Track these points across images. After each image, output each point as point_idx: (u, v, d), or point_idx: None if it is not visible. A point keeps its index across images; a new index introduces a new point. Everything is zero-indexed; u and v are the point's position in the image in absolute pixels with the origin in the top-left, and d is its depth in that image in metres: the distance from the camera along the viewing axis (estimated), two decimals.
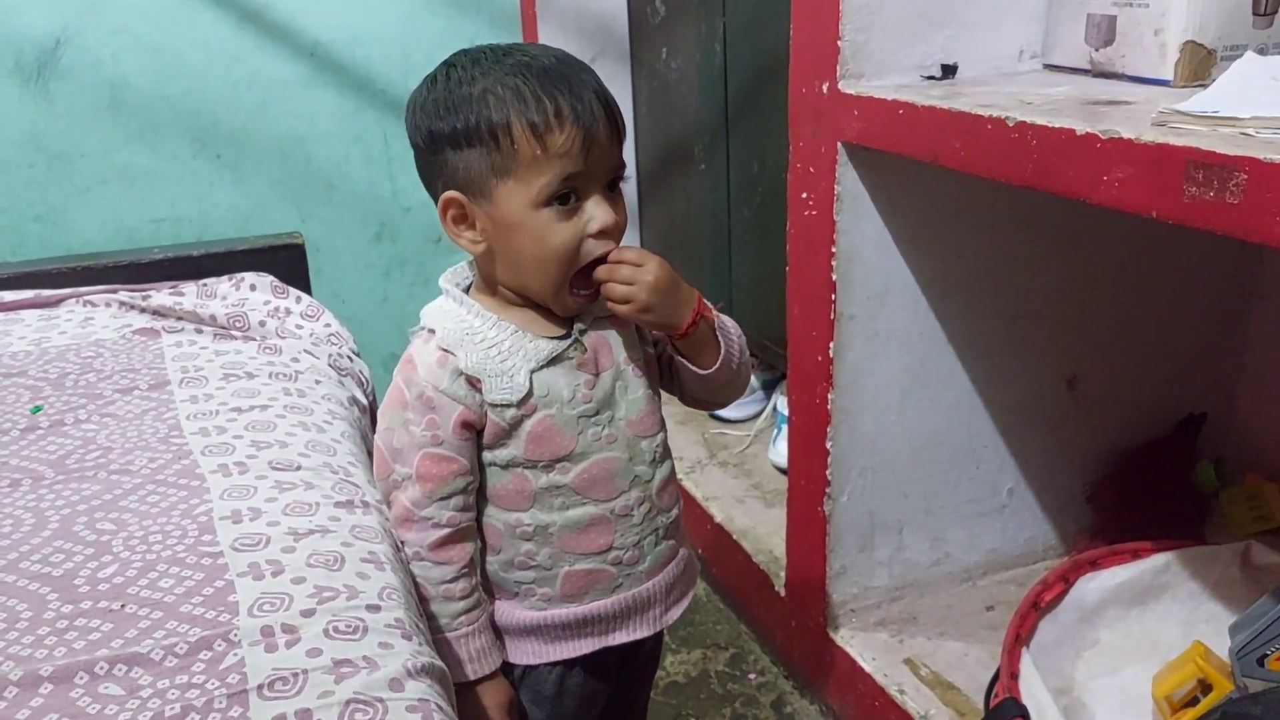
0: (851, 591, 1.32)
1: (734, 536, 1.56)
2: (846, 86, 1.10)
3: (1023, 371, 1.32)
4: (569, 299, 0.83)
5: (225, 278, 1.21)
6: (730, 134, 1.68)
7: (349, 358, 1.11)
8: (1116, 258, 1.30)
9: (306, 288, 1.30)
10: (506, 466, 0.84)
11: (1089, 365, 1.35)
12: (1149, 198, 0.77)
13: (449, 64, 0.83)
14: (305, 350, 1.08)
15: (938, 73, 1.14)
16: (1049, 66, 1.18)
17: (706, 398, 0.93)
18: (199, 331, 1.12)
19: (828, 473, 1.25)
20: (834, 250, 1.17)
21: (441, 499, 0.83)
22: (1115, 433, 1.40)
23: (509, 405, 0.82)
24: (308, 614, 0.69)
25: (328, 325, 1.16)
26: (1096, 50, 1.10)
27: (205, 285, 1.22)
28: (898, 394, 1.26)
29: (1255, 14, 1.01)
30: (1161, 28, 1.02)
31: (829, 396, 1.22)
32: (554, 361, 0.83)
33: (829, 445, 1.24)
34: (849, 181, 1.15)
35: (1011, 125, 0.89)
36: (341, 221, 2.06)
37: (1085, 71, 1.12)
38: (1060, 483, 1.40)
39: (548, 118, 0.78)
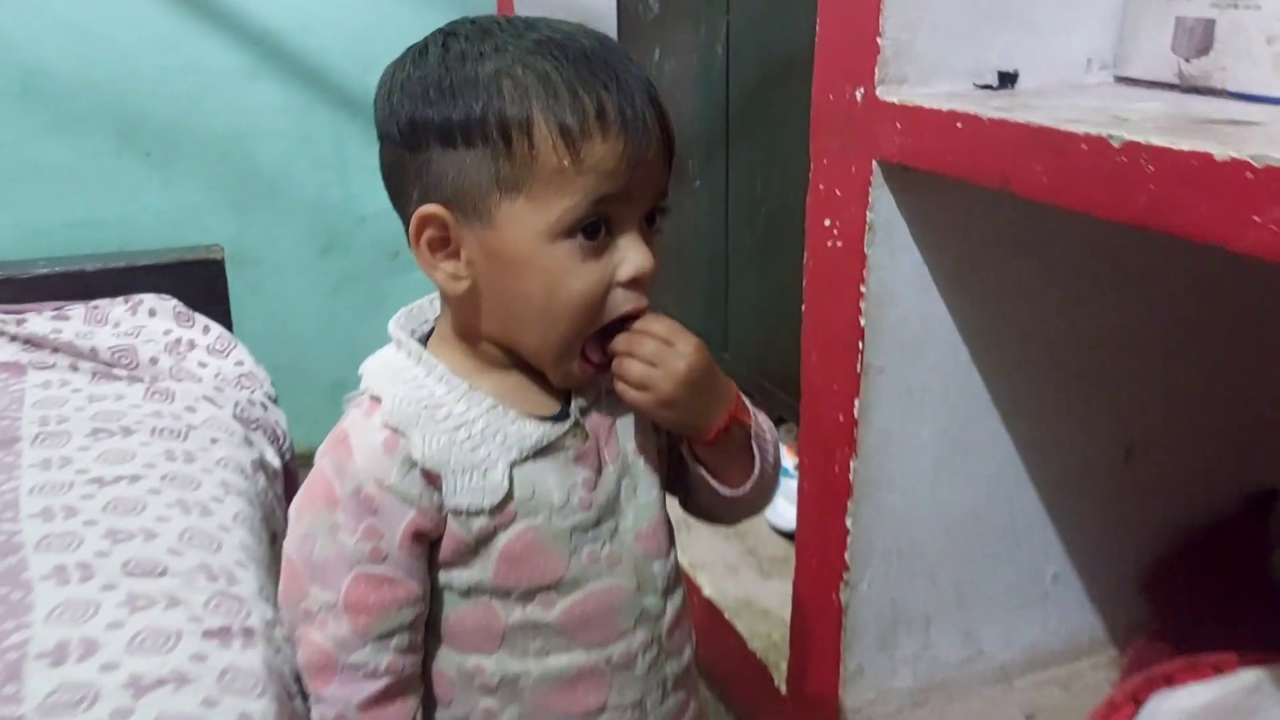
0: (868, 696, 1.12)
1: (726, 615, 1.35)
2: (886, 94, 0.90)
3: (1076, 437, 1.12)
4: (575, 367, 0.61)
5: (121, 300, 0.99)
6: (731, 147, 1.49)
7: (263, 405, 0.90)
8: (1184, 308, 1.11)
9: (224, 314, 1.08)
10: (468, 594, 0.63)
11: (1149, 431, 1.16)
12: None
13: (448, 33, 0.61)
14: (205, 397, 0.86)
15: (994, 81, 0.94)
16: (1122, 79, 0.98)
17: (721, 516, 0.72)
18: (74, 369, 0.90)
19: (846, 556, 1.05)
20: (863, 290, 0.97)
21: (381, 638, 0.62)
22: (1175, 510, 1.21)
23: (479, 512, 0.60)
24: None
25: (239, 364, 0.94)
26: (1187, 60, 0.91)
27: (96, 308, 1.00)
28: (931, 463, 1.06)
29: None
30: (1276, 34, 0.83)
31: (851, 465, 1.02)
32: (544, 452, 0.62)
33: (849, 523, 1.04)
34: (884, 208, 0.95)
35: (1118, 146, 0.69)
36: (285, 231, 1.84)
37: (1171, 86, 0.92)
38: (1111, 567, 1.21)
39: (585, 119, 0.58)
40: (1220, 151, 0.62)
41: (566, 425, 0.63)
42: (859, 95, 0.92)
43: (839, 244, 0.98)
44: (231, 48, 1.74)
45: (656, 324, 0.62)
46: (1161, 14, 0.91)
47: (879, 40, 0.89)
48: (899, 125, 0.89)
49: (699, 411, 0.63)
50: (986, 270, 1.01)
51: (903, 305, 0.98)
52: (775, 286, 1.45)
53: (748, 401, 0.66)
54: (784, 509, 1.44)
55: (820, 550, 1.08)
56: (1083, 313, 1.07)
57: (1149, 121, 0.74)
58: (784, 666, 1.22)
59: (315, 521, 0.62)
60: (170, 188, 1.76)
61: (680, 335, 0.62)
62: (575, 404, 0.64)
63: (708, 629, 1.40)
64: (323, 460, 0.63)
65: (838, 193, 0.97)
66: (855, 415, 1.00)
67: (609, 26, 1.83)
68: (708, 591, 1.40)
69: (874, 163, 0.93)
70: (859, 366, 0.98)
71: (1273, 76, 0.84)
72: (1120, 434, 1.15)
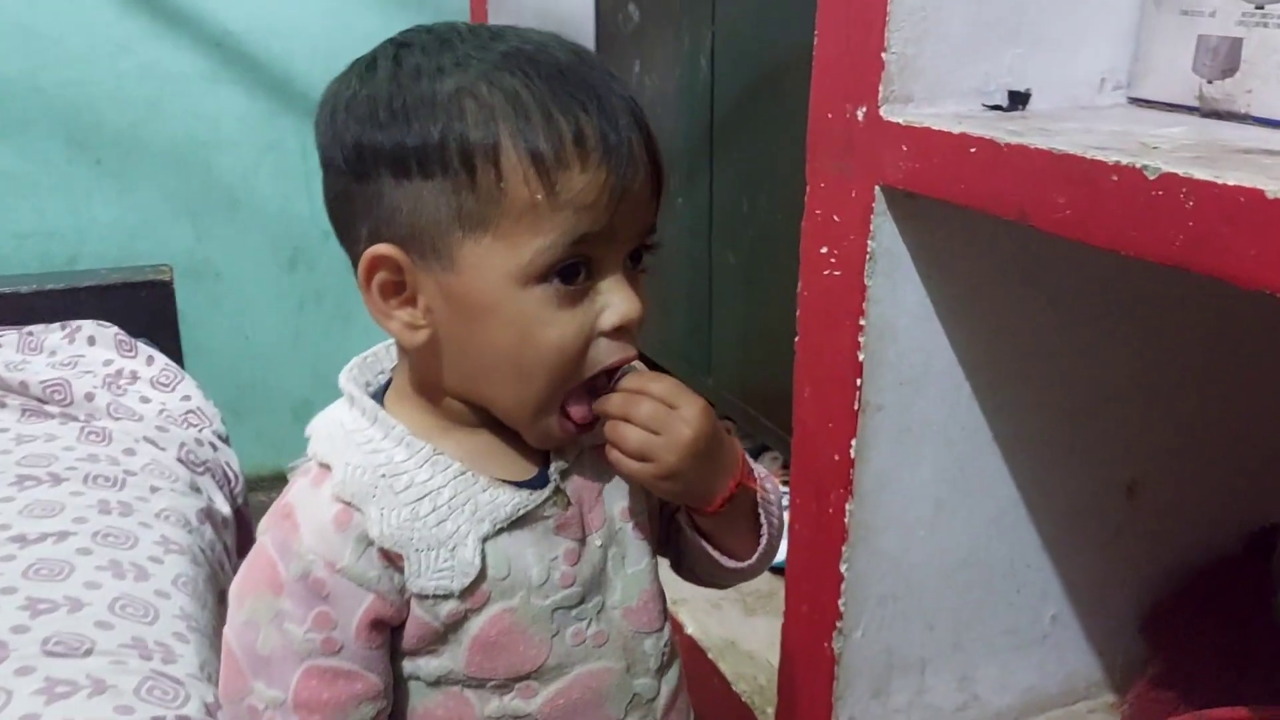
0: None
1: (709, 655, 1.29)
2: (891, 113, 0.84)
3: (1078, 475, 1.08)
4: (555, 425, 0.54)
5: (58, 326, 0.91)
6: (715, 164, 1.44)
7: (212, 445, 0.82)
8: (1187, 344, 1.07)
9: (172, 342, 1.00)
10: (437, 683, 0.56)
11: (1153, 469, 1.12)
12: None
13: (400, 44, 0.54)
14: (146, 438, 0.79)
15: (1003, 100, 0.89)
16: (1136, 100, 0.93)
17: (719, 584, 0.66)
18: (1, 405, 0.81)
19: (840, 603, 0.99)
20: (862, 323, 0.91)
21: None
22: (1177, 549, 1.17)
23: (447, 595, 0.53)
24: None
25: (186, 398, 0.86)
26: (1210, 82, 0.85)
27: (30, 334, 0.92)
28: (931, 504, 1.00)
29: None
30: None
31: (846, 507, 0.96)
32: (520, 523, 0.56)
33: (843, 569, 0.98)
34: (886, 236, 0.89)
35: (1154, 178, 0.63)
36: (248, 245, 1.77)
37: (1189, 109, 0.87)
38: (1111, 609, 1.16)
39: (561, 145, 0.51)
40: (1273, 189, 0.57)
41: (545, 492, 0.57)
42: (860, 114, 0.87)
43: (837, 274, 0.92)
44: (190, 51, 1.68)
45: (655, 384, 0.55)
46: (1182, 31, 0.86)
47: (884, 55, 0.84)
48: (905, 148, 0.83)
49: (704, 481, 0.56)
50: (989, 303, 0.96)
51: (903, 340, 0.93)
52: (761, 310, 1.39)
53: (754, 464, 0.60)
54: None
55: (812, 597, 1.02)
56: (1086, 348, 1.02)
57: (1181, 150, 0.69)
58: (771, 712, 1.17)
59: (258, 608, 0.55)
60: (124, 198, 1.68)
61: (683, 396, 0.55)
62: (555, 466, 0.57)
63: (690, 669, 1.33)
64: (265, 537, 0.55)
65: (836, 219, 0.92)
66: (852, 455, 0.94)
67: (587, 37, 1.77)
68: (690, 629, 1.34)
69: (876, 188, 0.87)
70: (856, 404, 0.93)
71: None
72: (1123, 472, 1.10)
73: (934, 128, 0.80)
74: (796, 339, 0.99)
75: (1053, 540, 1.09)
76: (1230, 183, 0.59)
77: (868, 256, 0.89)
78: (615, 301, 0.54)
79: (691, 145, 1.48)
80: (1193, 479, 1.14)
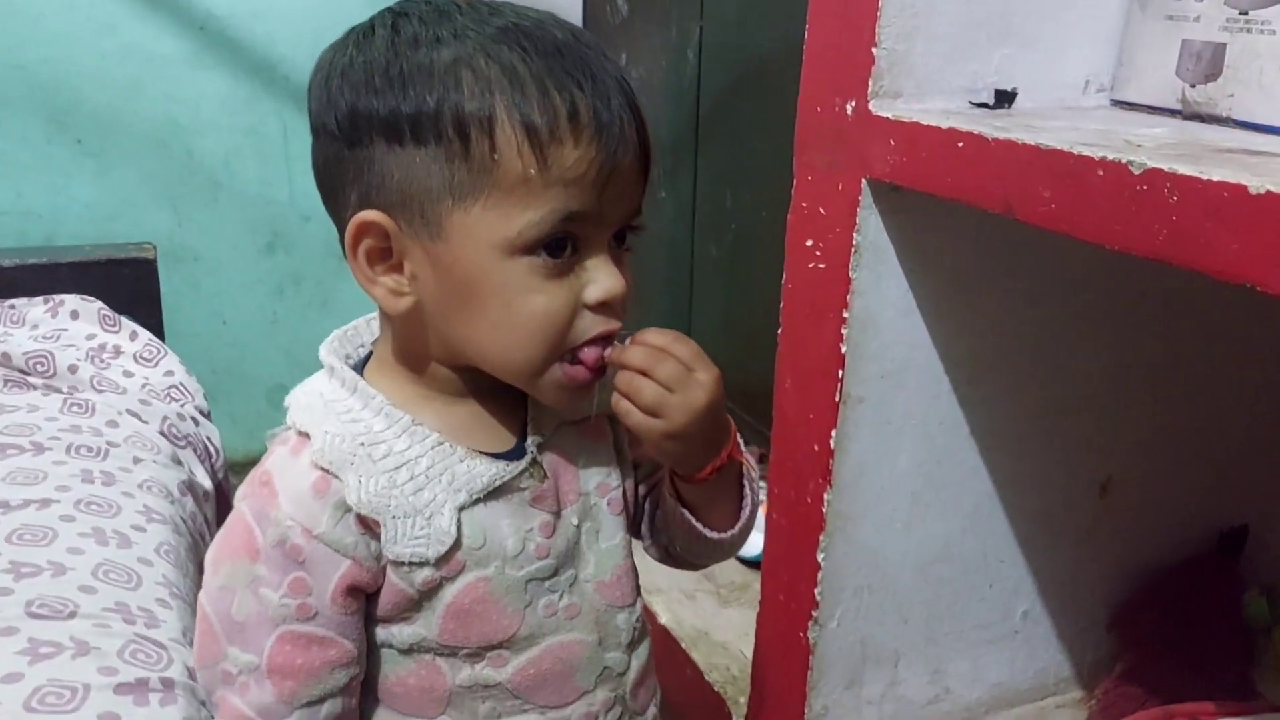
0: None
1: (683, 644, 1.29)
2: (880, 108, 0.85)
3: (1054, 471, 1.09)
4: (561, 374, 0.55)
5: (40, 299, 0.90)
6: (700, 157, 1.44)
7: (194, 420, 0.82)
8: (1164, 342, 1.09)
9: (155, 319, 0.99)
10: (409, 651, 0.56)
11: (1126, 468, 1.13)
12: None
13: (398, 13, 0.54)
14: (129, 411, 0.78)
15: (990, 99, 0.90)
16: (1118, 103, 0.94)
17: (695, 560, 0.66)
18: None
19: (816, 592, 1.00)
20: (845, 315, 0.92)
21: (309, 704, 0.55)
22: (1148, 546, 1.19)
23: (423, 563, 0.54)
24: None
25: (169, 374, 0.86)
26: (1192, 86, 0.87)
27: (13, 307, 0.91)
28: (908, 497, 1.01)
29: None
30: None
31: (825, 497, 0.97)
32: (496, 494, 0.56)
33: (820, 558, 0.99)
34: (871, 229, 0.90)
35: (1139, 173, 0.64)
36: (227, 228, 1.75)
37: (1172, 112, 0.89)
38: (1081, 605, 1.18)
39: (556, 120, 0.51)
40: (1255, 184, 0.58)
41: (522, 463, 0.57)
42: (850, 109, 0.87)
43: (822, 266, 0.93)
44: (173, 33, 1.66)
45: (679, 345, 0.56)
46: (1166, 36, 0.87)
47: (874, 50, 0.84)
48: (893, 142, 0.84)
49: (702, 448, 0.57)
50: (970, 299, 0.97)
51: (885, 333, 0.94)
52: (743, 303, 1.40)
53: (741, 440, 0.61)
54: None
55: (789, 586, 1.03)
56: (1063, 346, 1.03)
57: (1165, 148, 0.70)
58: (743, 702, 1.17)
59: (234, 573, 0.55)
60: (103, 178, 1.66)
61: (703, 363, 0.56)
62: (531, 439, 0.58)
63: (664, 659, 1.34)
64: (242, 504, 0.55)
65: (823, 212, 0.92)
66: (831, 446, 0.95)
67: None
68: (664, 619, 1.34)
69: (863, 181, 0.88)
70: (838, 395, 0.93)
71: None
72: (1097, 470, 1.11)
73: (922, 122, 0.81)
74: (779, 330, 1.00)
75: (1026, 536, 1.10)
76: (1214, 178, 0.60)
77: (853, 249, 0.90)
78: (600, 277, 0.55)
79: (676, 138, 1.49)
80: (1165, 478, 1.16)
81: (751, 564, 1.40)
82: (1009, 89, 0.90)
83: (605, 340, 0.56)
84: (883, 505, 1.00)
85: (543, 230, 0.52)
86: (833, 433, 0.94)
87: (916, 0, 0.84)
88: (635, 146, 0.55)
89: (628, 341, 0.56)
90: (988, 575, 1.10)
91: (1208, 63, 0.85)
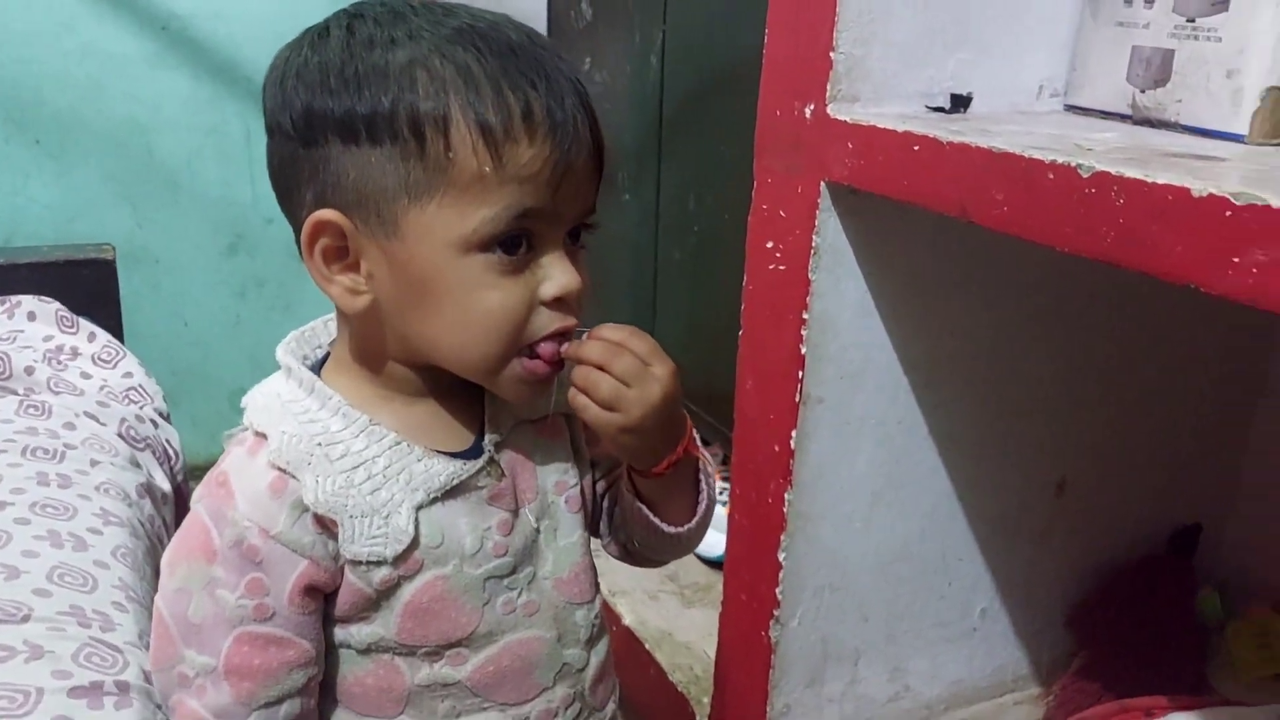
0: None
1: (646, 645, 1.30)
2: (838, 112, 0.86)
3: (1011, 472, 1.10)
4: (520, 369, 0.55)
5: None
6: (663, 161, 1.45)
7: (153, 422, 0.81)
8: (1116, 343, 1.11)
9: (114, 320, 0.98)
10: (368, 651, 0.56)
11: (1081, 468, 1.15)
12: None
13: (353, 14, 0.54)
14: (86, 413, 0.77)
15: (946, 103, 0.91)
16: (1071, 108, 0.96)
17: (654, 556, 0.67)
18: None
19: (778, 591, 1.01)
20: (805, 316, 0.93)
21: (266, 705, 0.54)
22: (1104, 546, 1.21)
23: (381, 562, 0.54)
24: None
25: (128, 375, 0.85)
26: (1142, 91, 0.89)
27: None
28: (868, 496, 1.02)
29: None
30: (1237, 68, 0.81)
31: (785, 497, 0.98)
32: (453, 492, 0.56)
33: (782, 557, 0.99)
34: (830, 232, 0.91)
35: (1087, 176, 0.66)
36: (188, 229, 1.74)
37: (1123, 117, 0.91)
38: (1038, 603, 1.19)
39: (510, 119, 0.52)
40: (1198, 187, 0.59)
41: (479, 462, 0.57)
42: (808, 112, 0.89)
43: (781, 268, 0.94)
44: (133, 32, 1.64)
45: (636, 340, 0.56)
46: (1117, 42, 0.89)
47: (832, 55, 0.85)
48: (851, 145, 0.85)
49: (658, 442, 0.58)
50: (927, 301, 0.98)
51: (844, 334, 0.95)
52: (706, 307, 1.40)
53: (697, 435, 0.61)
54: (708, 535, 1.39)
55: (751, 585, 1.04)
56: (1019, 348, 1.05)
57: (1114, 152, 0.71)
58: (706, 701, 1.18)
59: (191, 575, 0.55)
60: (62, 179, 1.64)
61: (659, 357, 0.57)
62: (489, 438, 0.58)
63: (627, 660, 1.34)
64: (199, 505, 0.55)
65: (782, 214, 0.93)
66: (792, 446, 0.96)
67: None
68: (628, 620, 1.34)
69: (822, 184, 0.89)
70: (798, 396, 0.94)
71: (1231, 112, 0.82)
72: (1052, 470, 1.13)
73: (879, 125, 0.82)
74: (740, 332, 1.01)
75: (984, 535, 1.12)
76: (1160, 181, 0.61)
77: (812, 251, 0.91)
78: (555, 274, 0.55)
79: (640, 143, 1.50)
80: (1119, 478, 1.18)
81: (714, 564, 1.41)
82: (965, 94, 0.92)
83: (562, 336, 0.56)
84: (843, 505, 1.01)
85: (498, 227, 0.53)
86: (793, 433, 0.95)
87: (874, 6, 0.86)
88: (589, 145, 0.55)
89: (585, 337, 0.57)
90: (946, 574, 1.11)
91: (1157, 69, 0.87)
